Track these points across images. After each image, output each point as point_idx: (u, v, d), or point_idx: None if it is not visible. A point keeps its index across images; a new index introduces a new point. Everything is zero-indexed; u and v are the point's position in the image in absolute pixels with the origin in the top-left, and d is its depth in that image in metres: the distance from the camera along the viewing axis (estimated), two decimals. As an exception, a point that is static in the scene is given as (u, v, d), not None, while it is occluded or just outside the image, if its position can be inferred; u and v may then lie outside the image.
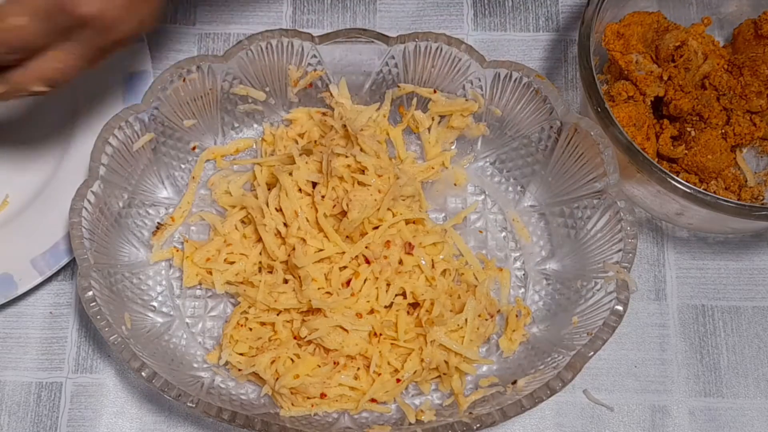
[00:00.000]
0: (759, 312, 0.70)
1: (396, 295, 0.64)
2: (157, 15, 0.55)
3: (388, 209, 0.64)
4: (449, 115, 0.69)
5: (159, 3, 0.54)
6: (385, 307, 0.64)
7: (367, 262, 0.63)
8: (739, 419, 0.67)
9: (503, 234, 0.70)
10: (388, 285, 0.63)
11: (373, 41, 0.65)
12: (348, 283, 0.63)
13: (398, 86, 0.69)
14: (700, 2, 0.72)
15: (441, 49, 0.65)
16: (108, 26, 0.52)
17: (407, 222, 0.65)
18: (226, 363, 0.64)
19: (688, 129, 0.68)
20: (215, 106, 0.68)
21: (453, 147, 0.71)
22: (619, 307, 0.60)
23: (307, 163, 0.65)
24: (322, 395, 0.62)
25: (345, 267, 0.63)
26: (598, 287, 0.62)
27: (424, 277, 0.64)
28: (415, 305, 0.64)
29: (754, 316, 0.70)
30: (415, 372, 0.62)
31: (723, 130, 0.68)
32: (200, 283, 0.67)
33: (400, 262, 0.64)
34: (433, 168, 0.69)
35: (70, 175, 0.69)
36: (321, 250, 0.63)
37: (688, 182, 0.61)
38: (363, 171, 0.63)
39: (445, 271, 0.65)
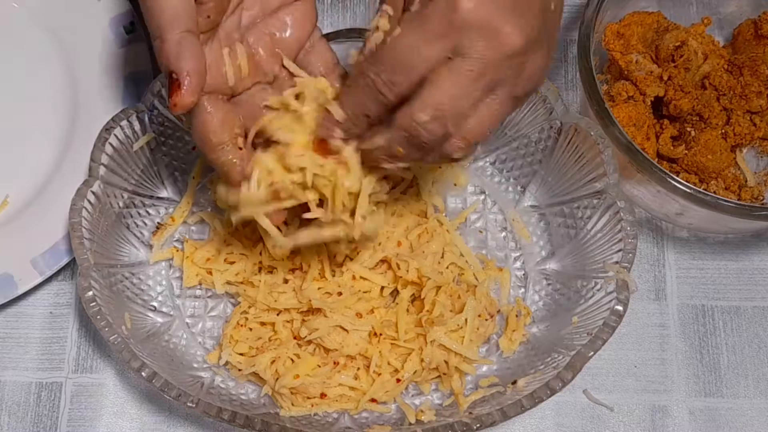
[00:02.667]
0: (759, 312, 0.70)
1: (398, 287, 0.64)
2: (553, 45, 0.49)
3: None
4: (449, 115, 0.69)
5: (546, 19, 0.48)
6: (386, 307, 0.64)
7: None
8: (739, 419, 0.67)
9: (503, 234, 0.70)
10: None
11: (373, 41, 0.65)
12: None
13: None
14: (700, 2, 0.72)
15: (441, 49, 0.65)
16: (493, 31, 0.45)
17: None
18: (226, 363, 0.64)
19: (688, 129, 0.68)
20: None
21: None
22: (619, 307, 0.60)
23: None
24: (322, 395, 0.62)
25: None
26: (598, 287, 0.62)
27: (431, 262, 0.64)
28: (414, 301, 0.64)
29: (754, 316, 0.70)
30: (415, 372, 0.62)
31: (723, 130, 0.68)
32: (200, 283, 0.67)
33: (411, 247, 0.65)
34: (439, 167, 0.69)
35: (70, 175, 0.68)
36: None
37: (688, 182, 0.61)
38: None
39: (450, 264, 0.65)
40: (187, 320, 0.67)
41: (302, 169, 0.52)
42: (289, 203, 0.54)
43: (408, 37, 0.46)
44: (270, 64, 0.54)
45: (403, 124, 0.47)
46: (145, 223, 0.68)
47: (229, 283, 0.66)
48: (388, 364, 0.63)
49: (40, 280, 0.66)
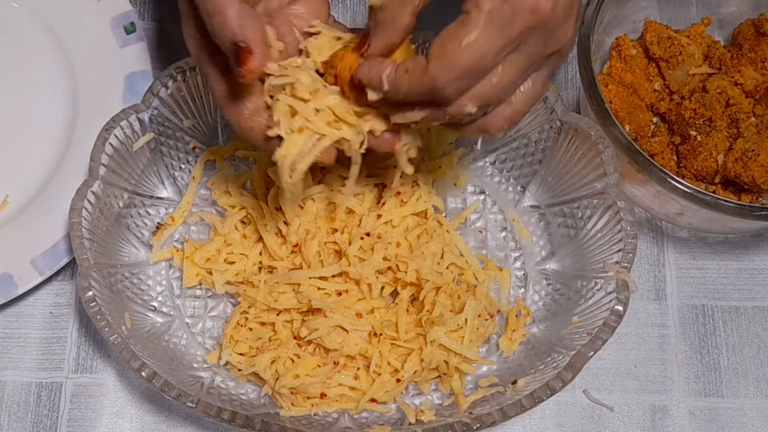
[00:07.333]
0: (759, 312, 0.70)
1: (398, 288, 0.64)
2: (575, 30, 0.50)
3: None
4: (449, 115, 0.69)
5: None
6: (386, 307, 0.64)
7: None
8: (739, 419, 0.67)
9: (503, 234, 0.70)
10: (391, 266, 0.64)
11: (373, 41, 0.65)
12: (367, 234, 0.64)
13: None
14: (700, 2, 0.72)
15: (441, 49, 0.65)
16: (551, 29, 0.47)
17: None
18: (226, 363, 0.64)
19: (692, 133, 0.68)
20: (215, 106, 0.68)
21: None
22: (619, 307, 0.60)
23: None
24: (322, 395, 0.62)
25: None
26: (598, 287, 0.62)
27: (431, 263, 0.64)
28: (414, 301, 0.64)
29: (754, 316, 0.70)
30: (415, 372, 0.62)
31: (728, 133, 0.67)
32: (200, 283, 0.67)
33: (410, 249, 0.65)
34: (440, 167, 0.69)
35: (70, 175, 0.69)
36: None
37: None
38: None
39: (450, 265, 0.65)
40: (187, 320, 0.67)
41: (314, 92, 0.52)
42: (326, 141, 0.53)
43: (485, 44, 0.47)
44: (294, 48, 0.55)
45: (450, 111, 0.49)
46: (145, 223, 0.68)
47: (229, 283, 0.66)
48: (388, 364, 0.63)
49: (40, 280, 0.66)
